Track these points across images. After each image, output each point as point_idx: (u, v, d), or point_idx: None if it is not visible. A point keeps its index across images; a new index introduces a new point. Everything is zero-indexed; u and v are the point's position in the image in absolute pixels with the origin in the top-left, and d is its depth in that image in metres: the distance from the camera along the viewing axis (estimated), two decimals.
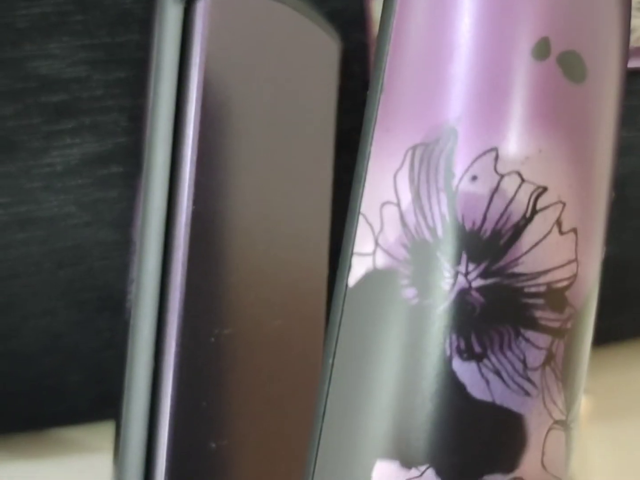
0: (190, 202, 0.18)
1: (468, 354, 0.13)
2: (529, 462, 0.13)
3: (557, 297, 0.13)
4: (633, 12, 0.23)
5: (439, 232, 0.13)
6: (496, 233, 0.13)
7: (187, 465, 0.18)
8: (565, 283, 0.13)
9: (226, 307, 0.18)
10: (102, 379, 0.23)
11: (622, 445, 0.31)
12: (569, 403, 0.13)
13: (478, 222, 0.13)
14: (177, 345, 0.18)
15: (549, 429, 0.13)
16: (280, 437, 0.19)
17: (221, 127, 0.19)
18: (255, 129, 0.19)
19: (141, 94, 0.19)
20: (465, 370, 0.13)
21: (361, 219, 0.14)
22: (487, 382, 0.13)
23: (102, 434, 0.24)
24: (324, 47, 0.20)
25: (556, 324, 0.13)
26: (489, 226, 0.13)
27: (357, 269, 0.13)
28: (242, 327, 0.18)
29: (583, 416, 0.28)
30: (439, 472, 0.13)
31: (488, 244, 0.13)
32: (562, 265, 0.13)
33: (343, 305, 0.14)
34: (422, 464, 0.13)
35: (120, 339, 0.19)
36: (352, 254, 0.14)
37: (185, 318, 0.18)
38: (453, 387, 0.13)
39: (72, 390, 0.23)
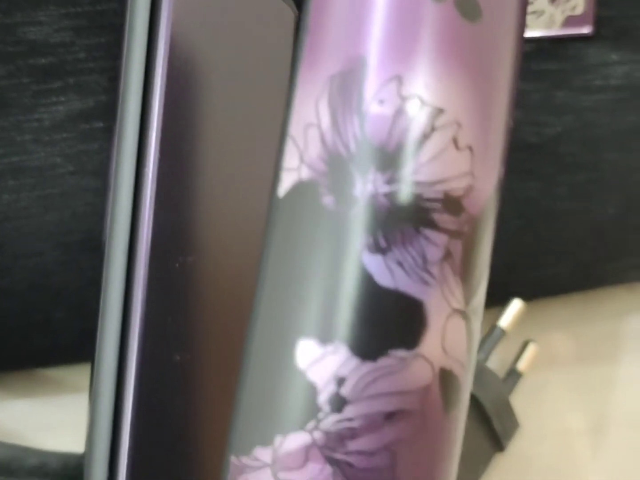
0: (158, 144, 0.21)
1: (375, 248, 0.15)
2: (430, 342, 0.15)
3: (453, 204, 0.15)
4: None
5: (352, 148, 0.15)
6: (399, 147, 0.15)
7: (154, 376, 0.20)
8: (460, 192, 0.16)
9: (191, 235, 0.21)
10: (86, 316, 0.25)
11: (605, 388, 0.33)
12: (467, 296, 0.16)
13: (384, 139, 0.15)
14: (145, 270, 0.20)
15: (448, 316, 0.16)
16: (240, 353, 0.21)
17: (187, 79, 0.21)
18: (218, 83, 0.21)
19: (119, 56, 0.21)
20: (373, 263, 0.15)
21: (289, 140, 0.16)
22: (392, 272, 0.15)
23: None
24: (281, 15, 0.23)
25: (453, 226, 0.15)
26: (393, 142, 0.15)
27: (286, 181, 0.16)
28: (206, 255, 0.21)
29: (534, 361, 0.30)
30: (350, 347, 0.15)
31: (392, 157, 0.15)
32: (458, 177, 0.15)
33: (274, 214, 0.16)
34: (335, 341, 0.15)
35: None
36: (282, 168, 0.16)
37: (153, 247, 0.21)
38: (363, 277, 0.15)
39: (58, 326, 0.26)
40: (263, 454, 0.15)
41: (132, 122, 0.21)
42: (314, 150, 0.16)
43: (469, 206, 0.16)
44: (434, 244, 0.15)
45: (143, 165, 0.21)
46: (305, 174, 0.16)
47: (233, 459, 0.16)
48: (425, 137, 0.15)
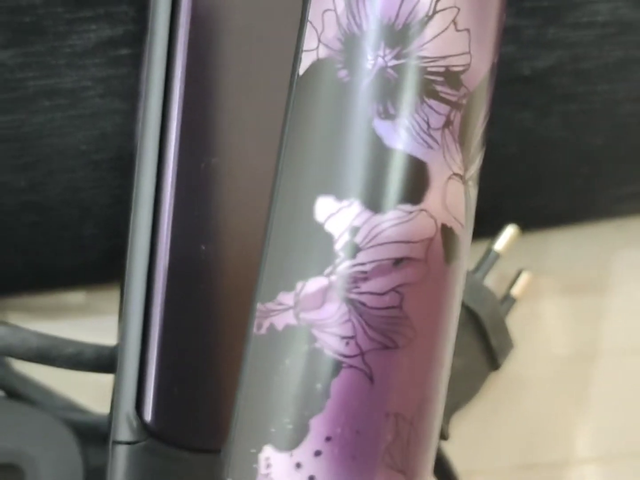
0: (184, 68, 0.23)
1: (385, 114, 0.17)
2: (433, 199, 0.17)
3: (453, 78, 0.17)
4: None
5: (364, 27, 0.17)
6: (406, 26, 0.17)
7: (183, 266, 0.22)
8: (460, 68, 0.18)
9: (215, 137, 0.23)
10: (113, 234, 0.27)
11: (595, 317, 0.35)
12: (466, 163, 0.18)
13: (393, 18, 0.17)
14: (174, 169, 0.22)
15: (449, 178, 0.18)
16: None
17: (209, 12, 0.23)
18: (238, 24, 0.23)
19: None
20: (382, 127, 0.17)
21: (308, 25, 0.18)
22: (399, 135, 0.17)
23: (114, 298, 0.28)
24: None
25: (453, 98, 0.18)
26: (400, 21, 0.17)
27: (306, 61, 0.18)
28: (229, 158, 0.23)
29: (527, 288, 0.32)
30: (363, 202, 0.17)
31: (400, 34, 0.17)
32: (457, 55, 0.18)
33: (295, 90, 0.18)
34: (350, 197, 0.17)
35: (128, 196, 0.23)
36: (302, 51, 0.18)
37: (180, 149, 0.22)
38: (374, 139, 0.17)
39: (87, 243, 0.28)
40: (286, 298, 0.17)
41: (159, 48, 0.23)
42: (331, 31, 0.18)
43: (466, 81, 0.18)
44: (437, 112, 0.17)
45: (170, 85, 0.23)
46: (322, 52, 0.18)
47: (259, 305, 0.18)
48: (428, 17, 0.17)
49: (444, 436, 0.29)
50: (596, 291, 0.35)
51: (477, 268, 0.30)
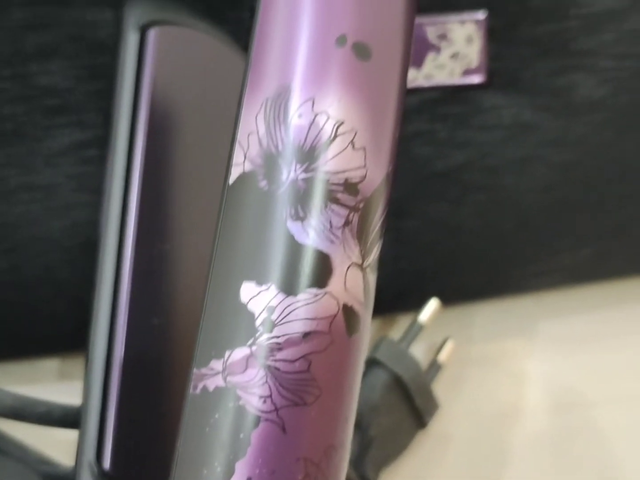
0: (141, 168, 0.27)
1: (296, 216, 0.21)
2: (335, 284, 0.22)
3: (351, 187, 0.22)
4: (461, 42, 0.33)
5: (280, 147, 0.22)
6: (313, 147, 0.22)
7: (138, 336, 0.26)
8: (357, 179, 0.22)
9: (167, 227, 0.27)
10: (85, 308, 0.31)
11: (505, 382, 0.39)
12: (364, 254, 0.22)
13: (302, 141, 0.22)
14: (132, 253, 0.27)
15: (349, 267, 0.22)
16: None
17: (164, 118, 0.27)
18: (189, 121, 0.28)
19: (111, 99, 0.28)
20: (294, 226, 0.21)
21: (237, 144, 0.23)
22: (307, 233, 0.21)
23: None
24: (237, 66, 0.29)
25: (352, 203, 0.22)
26: (308, 143, 0.22)
27: (234, 173, 0.22)
28: (179, 244, 0.27)
29: (452, 355, 0.36)
30: (278, 286, 0.21)
31: (308, 153, 0.22)
32: (355, 169, 0.22)
33: (226, 195, 0.22)
34: (268, 282, 0.21)
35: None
36: (231, 164, 0.22)
37: (137, 239, 0.27)
38: (287, 236, 0.21)
39: (61, 317, 0.32)
40: (217, 364, 0.21)
41: (120, 151, 0.28)
42: (254, 150, 0.22)
43: (363, 190, 0.22)
44: (338, 214, 0.22)
45: (129, 182, 0.27)
46: (247, 167, 0.22)
47: (195, 370, 0.22)
48: (330, 140, 0.22)
49: None
50: (517, 358, 0.39)
51: (402, 338, 0.34)
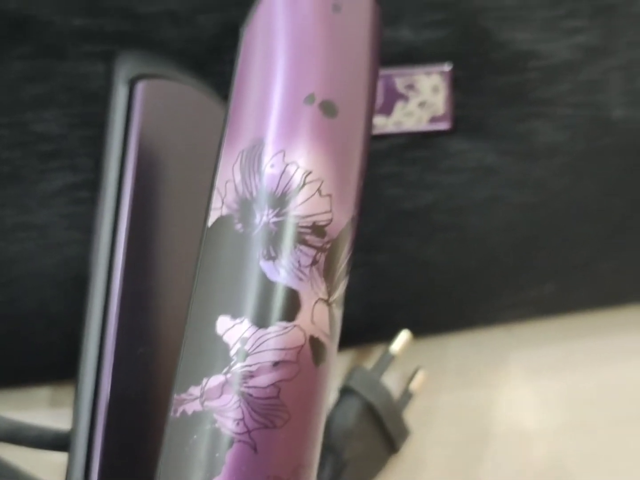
0: (129, 211, 0.29)
1: (268, 256, 0.24)
2: (303, 317, 0.24)
3: (319, 230, 0.24)
4: (428, 92, 0.35)
5: (254, 194, 0.24)
6: (284, 194, 0.24)
7: (125, 364, 0.28)
8: (324, 223, 0.24)
9: (150, 267, 0.29)
10: (77, 340, 0.33)
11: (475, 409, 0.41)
12: (330, 290, 0.24)
13: (274, 188, 0.24)
14: (120, 289, 0.29)
15: (316, 302, 0.24)
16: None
17: (150, 166, 0.30)
18: (174, 170, 0.30)
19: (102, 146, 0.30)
20: (266, 265, 0.24)
21: (215, 190, 0.25)
22: (278, 272, 0.24)
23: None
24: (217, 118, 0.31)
25: (319, 244, 0.24)
26: (280, 190, 0.24)
27: (212, 216, 0.25)
28: (165, 281, 0.29)
29: (423, 384, 0.38)
30: (251, 320, 0.23)
31: (279, 200, 0.24)
32: (322, 213, 0.24)
33: (205, 236, 0.25)
34: (242, 316, 0.24)
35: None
36: (210, 209, 0.25)
37: (125, 271, 0.29)
38: (259, 274, 0.24)
39: (54, 347, 0.34)
40: (195, 390, 0.24)
41: (110, 193, 0.30)
42: (230, 196, 0.24)
43: (329, 232, 0.24)
44: (306, 254, 0.24)
45: (117, 225, 0.29)
46: (224, 211, 0.24)
47: (175, 395, 0.24)
48: (299, 188, 0.24)
49: None
50: (487, 387, 0.40)
51: (375, 367, 0.37)
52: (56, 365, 0.34)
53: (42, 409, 0.37)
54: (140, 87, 0.30)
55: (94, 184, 0.30)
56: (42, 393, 0.37)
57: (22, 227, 0.33)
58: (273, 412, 0.23)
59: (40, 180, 0.33)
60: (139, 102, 0.29)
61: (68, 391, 0.34)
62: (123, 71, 0.30)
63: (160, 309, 0.29)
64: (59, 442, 0.29)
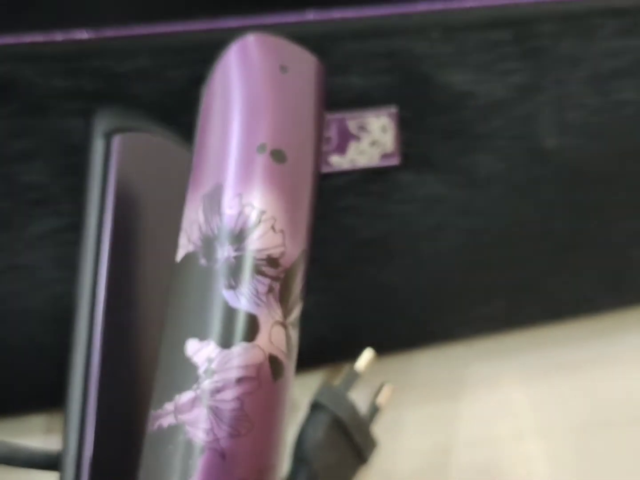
0: (109, 251, 0.33)
1: (229, 286, 0.27)
2: (262, 338, 0.27)
3: (273, 261, 0.28)
4: (378, 132, 0.39)
5: (215, 232, 0.28)
6: (242, 231, 0.27)
7: (110, 392, 0.32)
8: (277, 255, 0.28)
9: (133, 290, 0.33)
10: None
11: (440, 420, 0.43)
12: (285, 313, 0.28)
13: (232, 225, 0.28)
14: (102, 322, 0.32)
15: (273, 324, 0.27)
16: None
17: (127, 213, 0.33)
18: (149, 216, 0.33)
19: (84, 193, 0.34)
20: (228, 294, 0.27)
21: (182, 230, 0.28)
22: (238, 299, 0.27)
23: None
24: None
25: (274, 274, 0.28)
26: (238, 228, 0.27)
27: (180, 252, 0.28)
28: (145, 311, 0.33)
29: (389, 397, 0.41)
30: (216, 342, 0.27)
31: (238, 236, 0.27)
32: (275, 247, 0.28)
33: (174, 270, 0.28)
34: (208, 339, 0.27)
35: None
36: (179, 246, 0.28)
37: (107, 307, 0.32)
38: (222, 302, 0.27)
39: (45, 378, 0.37)
40: (169, 406, 0.27)
41: (91, 235, 0.33)
42: (195, 234, 0.28)
43: (283, 263, 0.28)
44: (262, 283, 0.27)
45: (98, 264, 0.33)
46: (190, 247, 0.28)
47: (152, 411, 0.27)
48: (255, 225, 0.28)
49: None
50: (451, 399, 0.43)
51: (341, 383, 0.40)
52: (49, 394, 0.37)
53: (37, 436, 0.39)
54: (116, 140, 0.33)
55: (77, 227, 0.33)
56: (37, 421, 0.39)
57: (12, 268, 0.35)
58: (238, 422, 0.27)
59: (28, 225, 0.35)
60: (116, 153, 0.33)
61: (62, 419, 0.37)
62: (101, 126, 0.33)
63: (140, 337, 0.32)
64: (49, 461, 0.32)
